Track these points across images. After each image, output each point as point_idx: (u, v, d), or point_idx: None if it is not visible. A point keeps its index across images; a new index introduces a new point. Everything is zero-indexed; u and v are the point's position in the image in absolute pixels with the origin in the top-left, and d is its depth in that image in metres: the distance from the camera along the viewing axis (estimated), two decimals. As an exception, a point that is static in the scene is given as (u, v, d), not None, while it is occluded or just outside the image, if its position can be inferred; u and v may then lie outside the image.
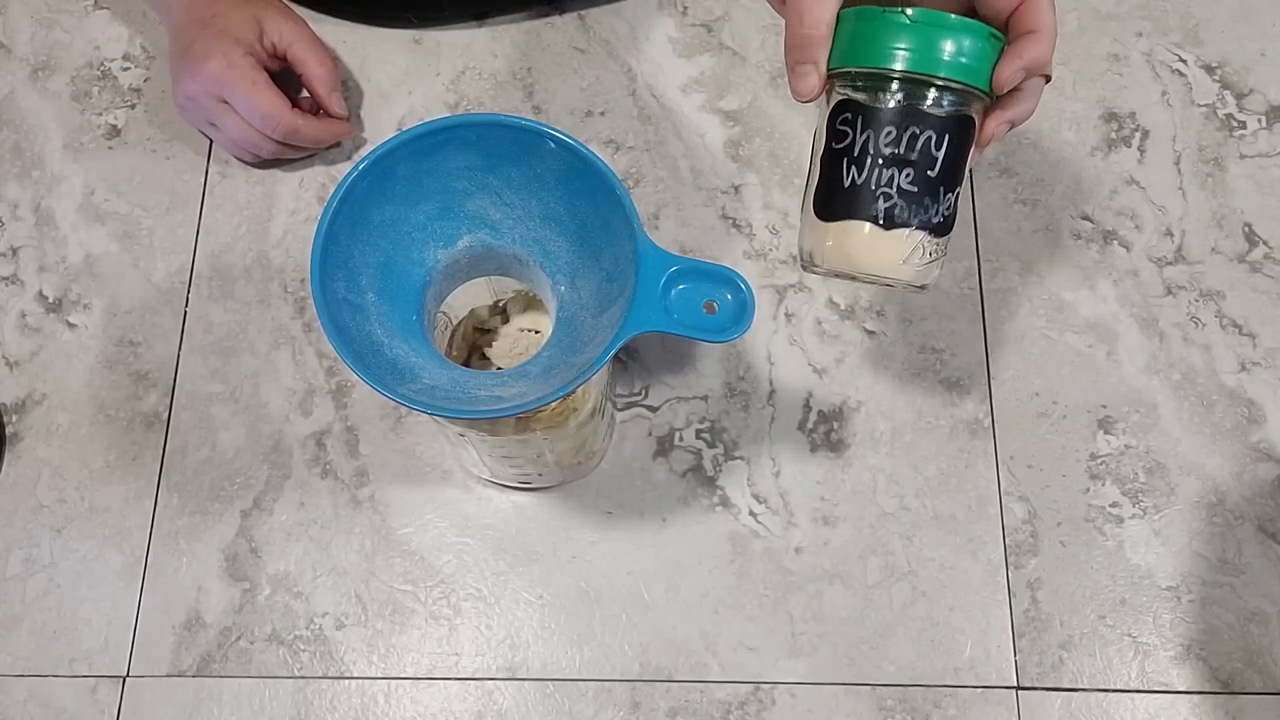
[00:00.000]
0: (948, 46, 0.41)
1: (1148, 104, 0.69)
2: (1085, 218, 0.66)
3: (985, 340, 0.64)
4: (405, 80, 0.70)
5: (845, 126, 0.44)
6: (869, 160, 0.43)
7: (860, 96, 0.43)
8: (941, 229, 0.44)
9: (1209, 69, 0.70)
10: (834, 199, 0.44)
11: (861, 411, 0.62)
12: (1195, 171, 0.67)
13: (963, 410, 0.62)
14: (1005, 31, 0.43)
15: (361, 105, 0.70)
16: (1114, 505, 0.61)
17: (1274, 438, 0.62)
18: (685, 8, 0.72)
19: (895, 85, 0.42)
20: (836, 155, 0.44)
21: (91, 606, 0.60)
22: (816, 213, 0.45)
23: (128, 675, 0.59)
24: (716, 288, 0.44)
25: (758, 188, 0.67)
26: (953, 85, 0.42)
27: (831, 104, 0.44)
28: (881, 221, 0.43)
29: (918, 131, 0.42)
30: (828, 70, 0.43)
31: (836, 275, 0.46)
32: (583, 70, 0.70)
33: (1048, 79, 0.44)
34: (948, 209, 0.44)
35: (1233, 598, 0.59)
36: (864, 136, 0.43)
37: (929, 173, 0.43)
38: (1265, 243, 0.66)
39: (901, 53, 0.41)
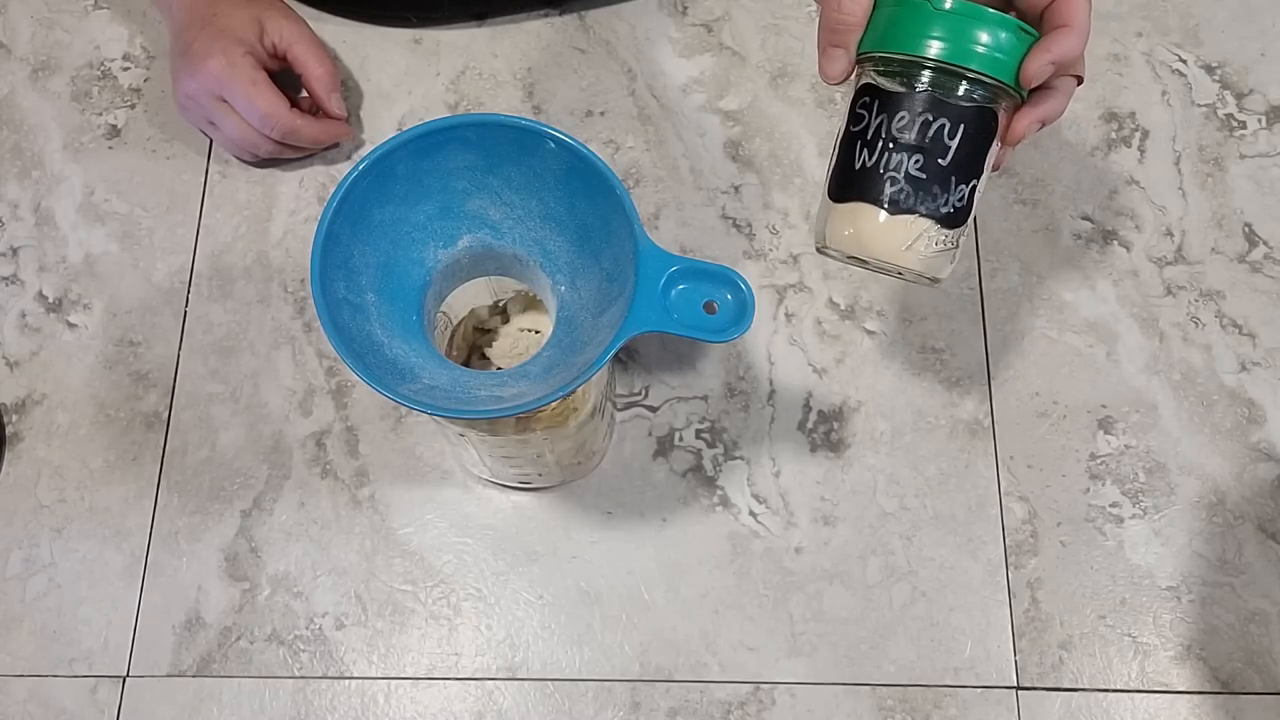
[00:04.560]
0: (977, 38, 0.42)
1: (1148, 104, 0.69)
2: (1085, 218, 0.66)
3: (985, 340, 0.64)
4: (405, 80, 0.70)
5: (863, 110, 0.44)
6: (880, 144, 0.43)
7: (883, 81, 0.43)
8: (951, 220, 0.44)
9: (1209, 69, 0.70)
10: (846, 181, 0.45)
11: (861, 411, 0.62)
12: (1195, 171, 0.67)
13: (963, 410, 0.62)
14: (1039, 27, 0.43)
15: (361, 105, 0.70)
16: (1114, 505, 0.61)
17: (1274, 438, 0.62)
18: (685, 8, 0.72)
19: (922, 73, 0.43)
20: (852, 138, 0.44)
21: (91, 606, 0.60)
22: (830, 194, 0.46)
23: (128, 675, 0.59)
24: (716, 288, 0.44)
25: (758, 188, 0.67)
26: (982, 78, 0.42)
27: (856, 88, 0.45)
28: (887, 205, 0.44)
29: (931, 119, 0.43)
30: (858, 54, 0.44)
31: (848, 259, 0.46)
32: (583, 70, 0.70)
33: (1080, 80, 0.45)
34: (960, 200, 0.44)
35: (1233, 598, 0.59)
36: (878, 120, 0.43)
37: (939, 161, 0.43)
38: (1265, 243, 0.66)
39: (930, 42, 0.42)
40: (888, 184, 0.43)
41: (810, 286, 0.65)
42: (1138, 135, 0.68)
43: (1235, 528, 0.60)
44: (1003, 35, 0.42)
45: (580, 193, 0.46)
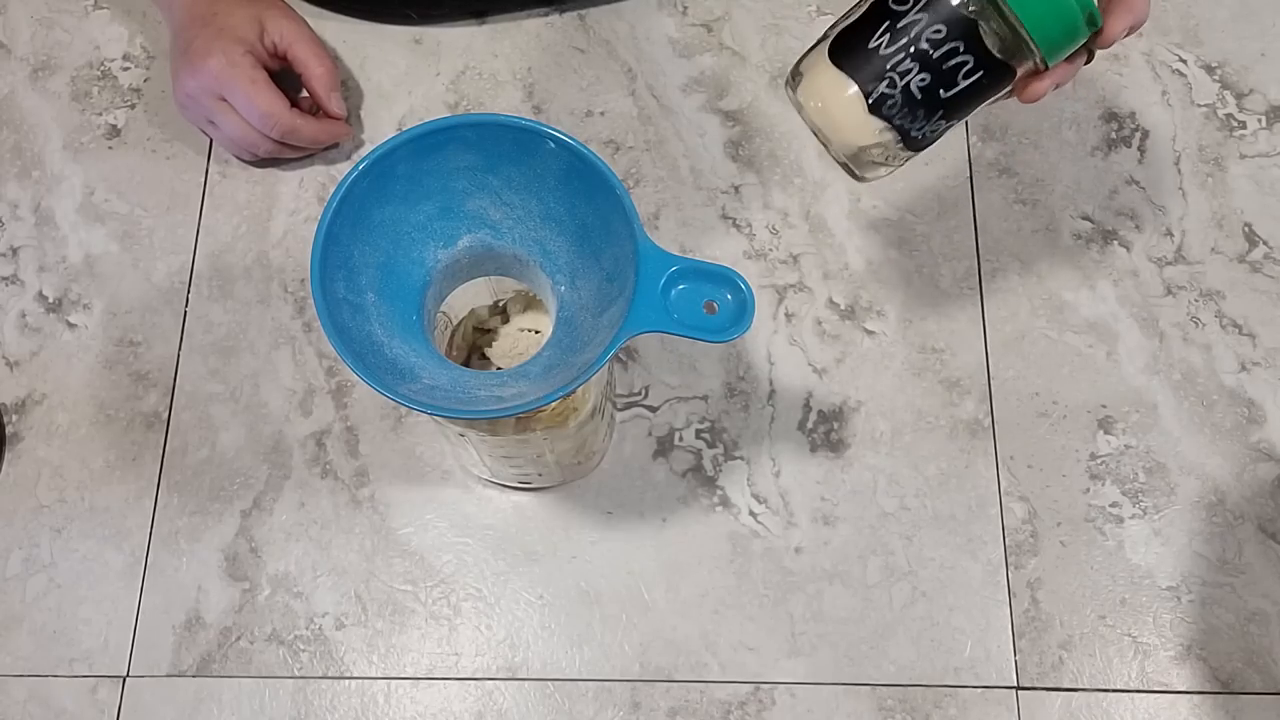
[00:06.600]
0: None
1: (1148, 104, 0.69)
2: (1085, 218, 0.66)
3: (985, 340, 0.64)
4: (405, 80, 0.70)
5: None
6: (904, 40, 0.42)
7: None
8: (913, 144, 0.44)
9: (1209, 69, 0.70)
10: (851, 49, 0.44)
11: (861, 411, 0.62)
12: (1195, 171, 0.67)
13: (963, 410, 0.62)
14: None
15: (361, 105, 0.70)
16: (1114, 505, 0.61)
17: (1274, 438, 0.62)
18: (685, 8, 0.72)
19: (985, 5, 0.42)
20: (883, 13, 0.43)
21: (91, 606, 0.60)
22: (830, 47, 0.45)
23: (128, 675, 0.59)
24: (716, 288, 0.44)
25: (758, 188, 0.67)
26: (1018, 29, 0.42)
27: None
28: (870, 102, 0.43)
29: (960, 49, 0.42)
30: None
31: (801, 110, 0.46)
32: (583, 70, 0.70)
33: (1090, 57, 0.45)
34: (933, 132, 0.44)
35: (1233, 598, 0.59)
36: (916, 17, 0.42)
37: (942, 91, 0.43)
38: (1265, 243, 0.66)
39: None
40: (884, 83, 0.43)
41: (810, 286, 0.65)
42: (1138, 135, 0.68)
43: (1235, 528, 0.60)
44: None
45: (580, 193, 0.46)
